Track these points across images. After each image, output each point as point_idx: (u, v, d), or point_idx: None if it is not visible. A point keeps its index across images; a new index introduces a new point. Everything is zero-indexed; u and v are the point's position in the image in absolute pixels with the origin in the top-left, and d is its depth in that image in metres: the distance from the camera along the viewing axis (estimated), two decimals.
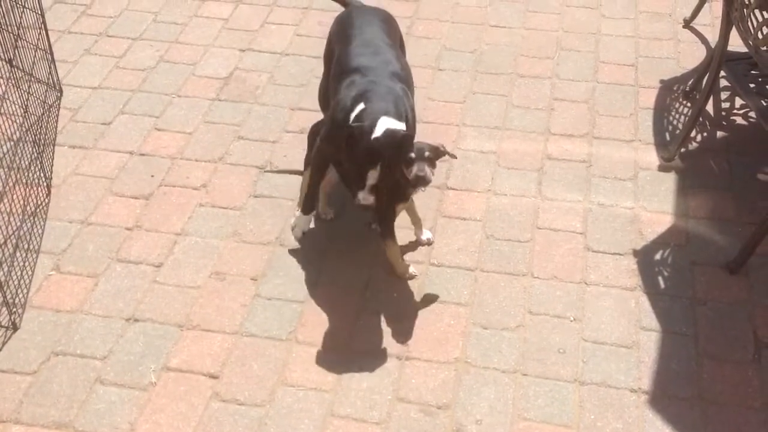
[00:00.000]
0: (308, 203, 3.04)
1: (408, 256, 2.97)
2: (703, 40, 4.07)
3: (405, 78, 2.94)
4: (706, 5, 4.14)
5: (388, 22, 3.16)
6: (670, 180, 3.32)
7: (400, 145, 2.62)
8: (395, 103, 2.78)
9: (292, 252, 3.01)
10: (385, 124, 2.68)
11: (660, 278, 2.93)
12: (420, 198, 3.02)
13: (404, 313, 2.80)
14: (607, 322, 2.78)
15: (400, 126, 2.71)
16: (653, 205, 3.21)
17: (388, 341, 2.71)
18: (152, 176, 3.31)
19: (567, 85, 3.80)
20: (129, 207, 3.18)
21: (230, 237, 3.06)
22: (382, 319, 2.79)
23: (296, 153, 3.36)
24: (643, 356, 2.68)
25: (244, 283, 2.90)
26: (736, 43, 3.23)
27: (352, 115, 2.76)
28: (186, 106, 3.67)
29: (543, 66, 3.92)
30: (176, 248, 3.02)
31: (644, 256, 3.01)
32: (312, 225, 3.08)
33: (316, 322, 2.77)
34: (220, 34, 4.11)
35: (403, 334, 2.73)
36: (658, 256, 3.01)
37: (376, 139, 2.66)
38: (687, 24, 4.18)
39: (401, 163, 2.63)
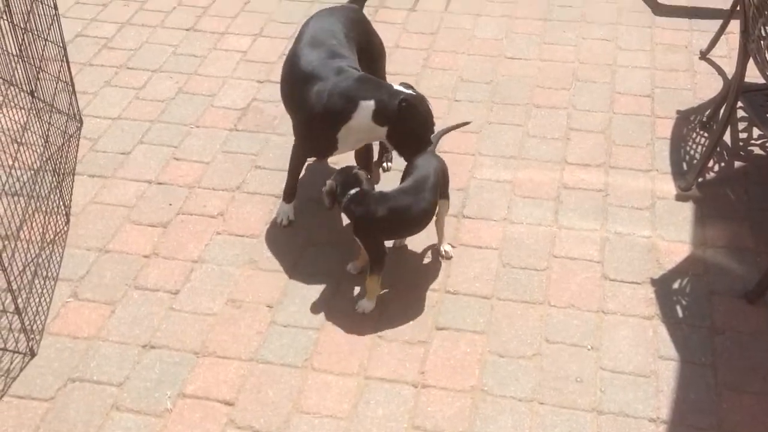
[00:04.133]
0: (289, 193, 3.24)
1: (424, 284, 2.97)
2: (720, 72, 4.08)
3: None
4: (723, 37, 4.16)
5: (347, 20, 3.21)
6: (687, 209, 3.30)
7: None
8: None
9: (308, 279, 3.02)
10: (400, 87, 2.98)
11: (678, 307, 2.91)
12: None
13: (420, 339, 2.79)
14: (625, 351, 2.76)
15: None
16: (671, 234, 3.19)
17: (404, 369, 2.70)
18: (170, 205, 3.34)
19: (583, 115, 3.81)
20: (147, 235, 3.20)
21: (246, 264, 3.08)
22: (398, 346, 2.78)
23: (312, 182, 3.37)
24: (662, 386, 2.65)
25: (260, 310, 2.91)
26: (753, 74, 3.23)
27: (362, 106, 2.89)
28: (204, 136, 3.71)
29: (559, 97, 3.93)
30: (193, 275, 3.03)
31: (662, 285, 2.99)
32: (292, 217, 3.24)
33: (332, 349, 2.77)
34: (239, 66, 4.16)
35: (418, 362, 2.72)
36: (676, 285, 2.99)
37: (417, 95, 2.99)
38: (704, 56, 4.19)
39: None
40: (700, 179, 3.42)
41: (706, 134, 3.67)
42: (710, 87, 3.98)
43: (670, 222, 3.24)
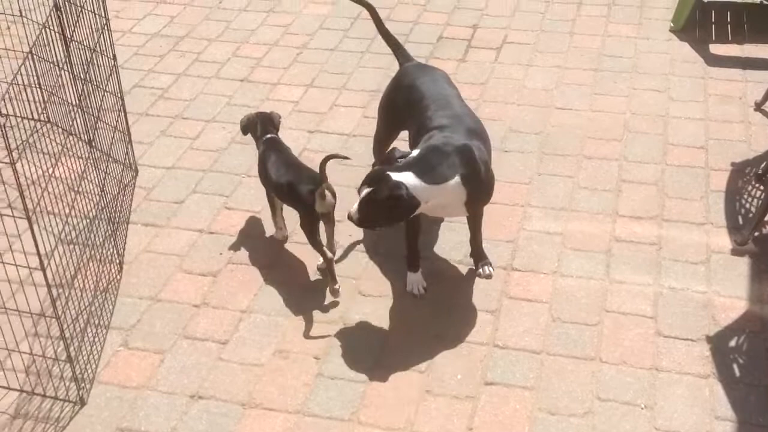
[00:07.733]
0: (411, 261, 3.16)
1: (471, 337, 2.94)
2: None
3: (480, 133, 3.11)
4: None
5: (449, 80, 3.39)
6: (743, 264, 3.23)
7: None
8: (446, 160, 2.90)
9: (356, 330, 3.01)
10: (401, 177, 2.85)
11: (735, 366, 2.83)
12: (485, 280, 3.01)
13: (468, 394, 2.76)
14: (680, 410, 2.69)
15: (411, 179, 2.84)
16: (727, 289, 3.12)
17: (452, 425, 2.66)
18: (221, 254, 3.37)
19: (635, 167, 3.77)
20: (197, 284, 3.23)
21: (294, 315, 3.08)
22: (446, 401, 2.74)
23: (362, 231, 3.38)
24: None
25: (307, 361, 2.90)
26: None
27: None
28: (256, 185, 3.73)
29: (610, 148, 3.90)
30: (241, 325, 3.05)
31: (718, 343, 2.91)
32: (424, 284, 3.15)
33: (379, 402, 2.74)
34: (291, 116, 4.21)
35: (466, 418, 2.68)
36: (732, 343, 2.91)
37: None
38: (758, 107, 4.13)
39: None
40: (756, 233, 3.34)
41: (761, 187, 3.60)
42: (765, 138, 3.91)
43: (726, 277, 3.17)
